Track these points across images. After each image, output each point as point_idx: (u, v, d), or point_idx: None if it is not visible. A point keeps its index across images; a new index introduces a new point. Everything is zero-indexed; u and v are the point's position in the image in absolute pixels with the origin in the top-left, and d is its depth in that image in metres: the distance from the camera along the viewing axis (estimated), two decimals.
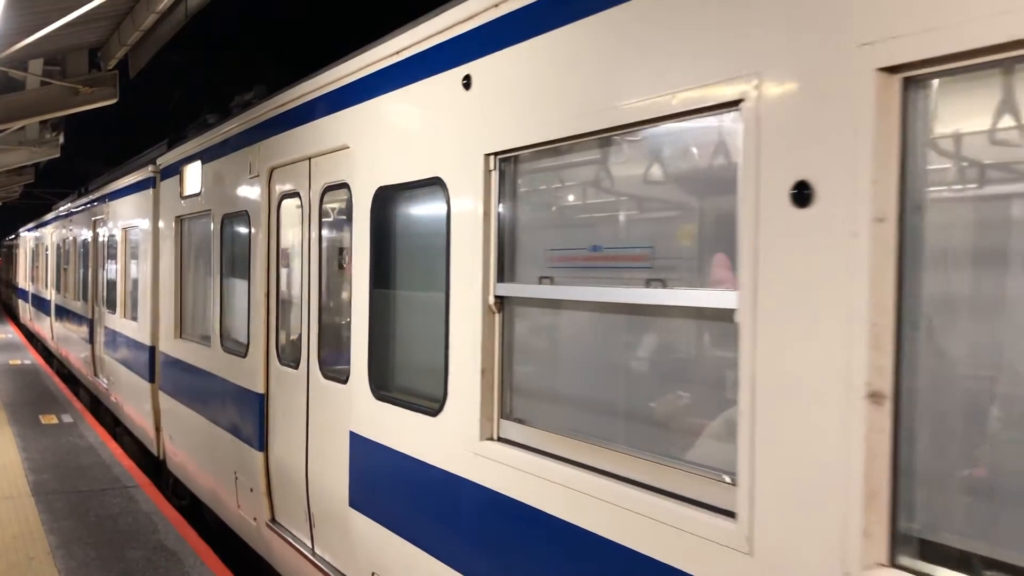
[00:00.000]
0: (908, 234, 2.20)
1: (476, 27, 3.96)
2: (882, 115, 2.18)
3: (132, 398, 11.21)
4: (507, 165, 3.81)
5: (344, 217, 5.47)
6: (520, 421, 3.75)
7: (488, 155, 3.81)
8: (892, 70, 2.17)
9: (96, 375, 14.04)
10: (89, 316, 14.66)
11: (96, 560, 6.89)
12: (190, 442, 8.62)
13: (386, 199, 4.85)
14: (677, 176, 3.22)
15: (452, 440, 4.06)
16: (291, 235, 6.32)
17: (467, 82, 3.99)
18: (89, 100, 11.15)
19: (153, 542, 7.36)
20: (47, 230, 22.62)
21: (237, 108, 7.64)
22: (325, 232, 5.73)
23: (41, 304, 23.04)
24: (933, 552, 2.18)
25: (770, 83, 2.47)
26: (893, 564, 2.19)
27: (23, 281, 30.23)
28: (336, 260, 5.69)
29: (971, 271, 2.22)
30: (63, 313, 18.38)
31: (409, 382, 4.79)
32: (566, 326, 3.78)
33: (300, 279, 6.04)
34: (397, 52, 4.65)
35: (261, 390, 6.50)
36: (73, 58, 11.05)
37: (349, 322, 5.25)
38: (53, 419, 12.96)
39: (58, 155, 16.34)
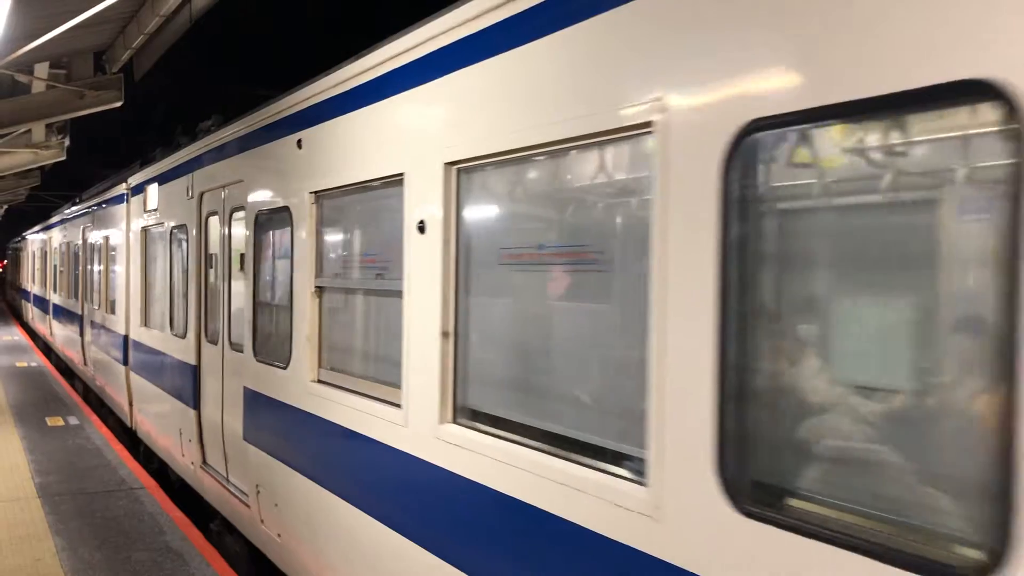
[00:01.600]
0: (460, 244, 4.13)
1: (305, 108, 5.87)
2: (447, 187, 4.13)
3: (111, 380, 13.08)
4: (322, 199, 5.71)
5: (244, 231, 7.06)
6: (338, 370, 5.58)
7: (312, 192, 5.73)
8: (451, 163, 4.10)
9: (85, 363, 15.98)
10: (80, 312, 16.59)
11: (102, 561, 6.92)
12: (151, 410, 10.58)
13: (263, 219, 6.67)
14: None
15: (298, 383, 5.92)
16: (213, 244, 8.27)
17: (299, 144, 5.89)
18: (94, 103, 11.20)
19: (159, 543, 7.38)
20: (45, 235, 24.56)
21: (179, 143, 9.59)
22: (233, 244, 7.64)
23: (42, 304, 24.78)
24: (473, 415, 4.08)
25: (413, 172, 4.44)
26: (454, 421, 4.13)
27: (25, 283, 32.17)
28: (239, 263, 7.38)
29: (482, 267, 4.11)
30: (59, 311, 20.15)
31: (273, 349, 6.51)
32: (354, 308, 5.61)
33: (220, 278, 7.96)
34: (259, 121, 6.65)
35: (194, 362, 8.52)
36: (78, 61, 11.10)
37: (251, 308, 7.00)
38: (59, 421, 13.01)
39: (64, 158, 16.38)
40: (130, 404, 11.86)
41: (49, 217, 24.49)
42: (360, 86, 5.06)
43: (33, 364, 20.35)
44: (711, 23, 2.72)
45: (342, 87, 5.29)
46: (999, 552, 1.95)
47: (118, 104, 11.32)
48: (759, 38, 2.54)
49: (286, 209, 6.06)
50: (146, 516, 8.16)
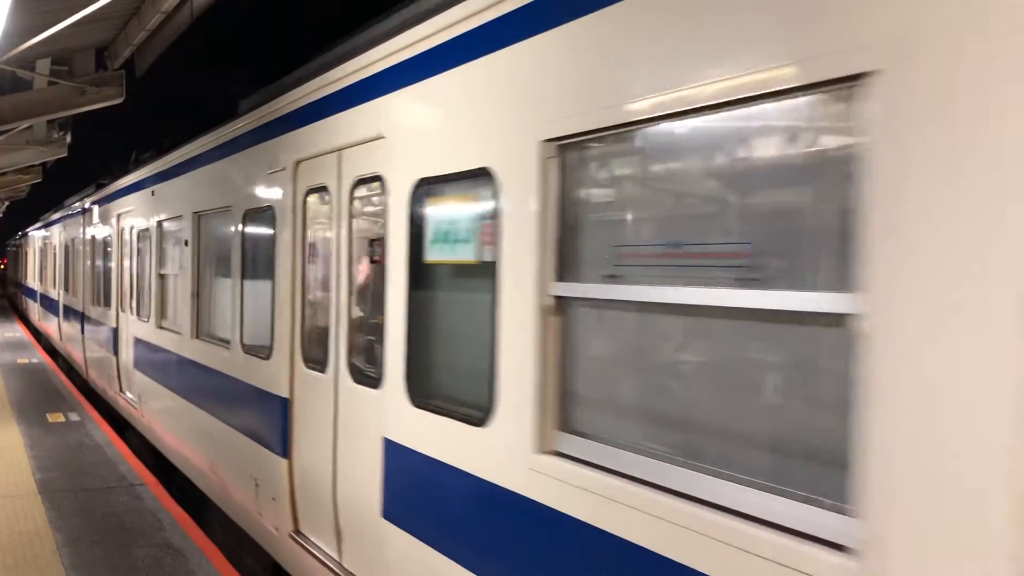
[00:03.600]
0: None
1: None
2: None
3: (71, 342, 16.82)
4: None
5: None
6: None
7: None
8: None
9: (61, 340, 20.29)
10: (56, 299, 21.61)
11: (102, 558, 6.92)
12: (121, 382, 12.60)
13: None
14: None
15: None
16: (127, 255, 11.41)
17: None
18: (96, 100, 11.20)
19: (159, 540, 7.39)
20: (37, 234, 28.84)
21: (107, 181, 13.32)
22: (126, 262, 11.35)
23: (30, 294, 30.99)
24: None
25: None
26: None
27: (23, 278, 37.01)
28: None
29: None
30: (44, 300, 25.01)
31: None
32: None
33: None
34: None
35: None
36: (80, 58, 11.10)
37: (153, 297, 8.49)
38: (60, 417, 13.01)
39: (65, 154, 16.40)
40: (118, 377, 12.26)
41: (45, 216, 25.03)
42: None
43: (34, 360, 20.36)
44: None
45: None
46: None
47: (119, 100, 11.32)
48: None
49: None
50: (146, 512, 8.16)
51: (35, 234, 29.97)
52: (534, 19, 3.60)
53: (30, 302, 30.91)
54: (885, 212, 2.21)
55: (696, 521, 2.76)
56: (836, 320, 2.41)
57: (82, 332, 16.53)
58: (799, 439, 2.64)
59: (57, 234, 22.06)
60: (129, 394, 12.04)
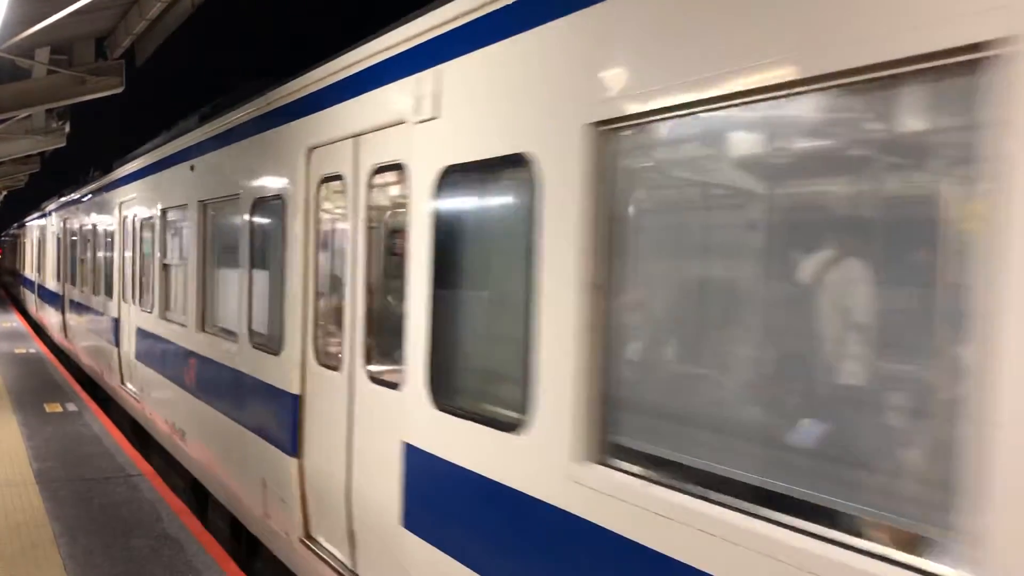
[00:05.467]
0: None
1: None
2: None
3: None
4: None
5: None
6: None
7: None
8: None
9: (35, 311, 24.91)
10: (33, 280, 26.00)
11: (100, 548, 6.91)
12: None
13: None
14: None
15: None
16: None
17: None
18: (95, 89, 11.17)
19: (157, 530, 7.38)
20: (30, 226, 31.08)
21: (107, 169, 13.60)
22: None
23: (26, 283, 32.39)
24: None
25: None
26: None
27: (18, 266, 39.12)
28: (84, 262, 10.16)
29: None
30: (31, 285, 28.56)
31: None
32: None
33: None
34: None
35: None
36: (80, 47, 11.06)
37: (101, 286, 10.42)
38: (58, 407, 13.00)
39: (64, 144, 16.36)
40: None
41: (38, 208, 25.49)
42: None
43: (32, 351, 20.34)
44: None
45: None
46: None
47: (119, 90, 11.28)
48: None
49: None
50: (144, 503, 8.16)
51: (33, 223, 30.07)
52: None
53: (28, 292, 30.93)
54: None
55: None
56: None
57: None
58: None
59: (56, 223, 21.94)
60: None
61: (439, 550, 4.15)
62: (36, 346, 21.42)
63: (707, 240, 3.12)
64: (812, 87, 2.42)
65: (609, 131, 3.12)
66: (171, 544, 7.05)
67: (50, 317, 22.00)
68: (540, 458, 3.41)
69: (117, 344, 12.57)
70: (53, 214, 22.84)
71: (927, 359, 2.34)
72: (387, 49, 4.83)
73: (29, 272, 30.56)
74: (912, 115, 2.35)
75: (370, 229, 5.15)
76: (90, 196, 16.05)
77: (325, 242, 5.87)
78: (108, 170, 14.05)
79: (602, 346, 3.18)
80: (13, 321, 28.24)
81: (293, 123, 6.19)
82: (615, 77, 3.09)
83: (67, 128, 15.79)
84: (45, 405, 13.12)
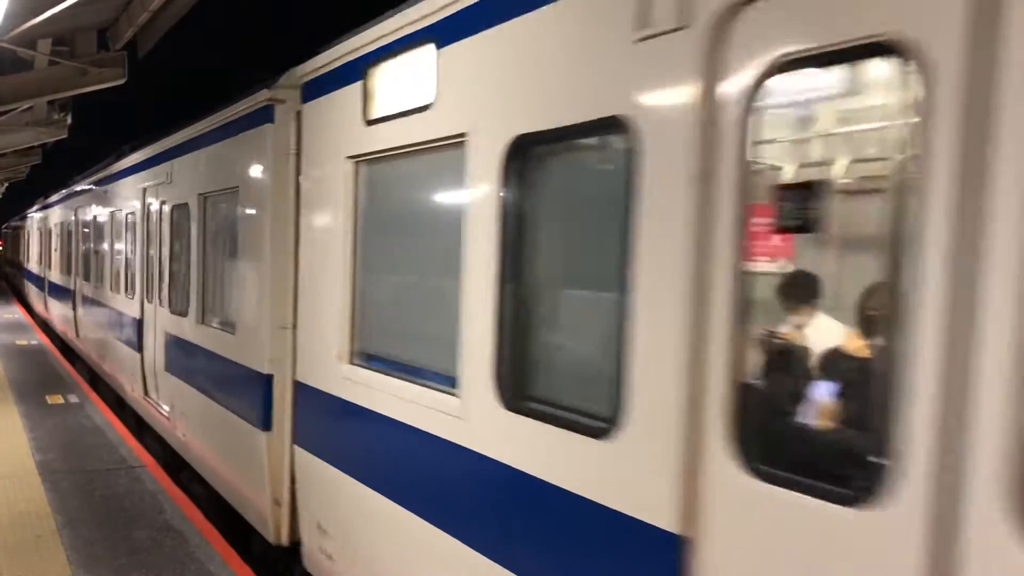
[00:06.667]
0: None
1: None
2: None
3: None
4: None
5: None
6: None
7: None
8: None
9: (43, 309, 25.42)
10: (24, 268, 31.59)
11: (102, 539, 6.93)
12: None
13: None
14: None
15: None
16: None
17: None
18: (97, 80, 11.13)
19: (159, 522, 7.39)
20: (29, 219, 32.79)
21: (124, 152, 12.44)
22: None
23: (23, 272, 35.45)
24: None
25: None
26: None
27: (18, 257, 40.99)
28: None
29: None
30: (28, 275, 31.30)
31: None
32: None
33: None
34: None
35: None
36: (82, 38, 11.01)
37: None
38: (59, 399, 13.02)
39: (65, 136, 16.31)
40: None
41: (37, 200, 25.28)
42: None
43: (33, 342, 20.36)
44: None
45: None
46: None
47: (121, 81, 11.25)
48: None
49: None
50: (146, 494, 8.17)
51: (37, 215, 29.88)
52: None
53: (32, 288, 30.41)
54: None
55: None
56: None
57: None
58: None
59: (61, 214, 20.76)
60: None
61: None
62: (38, 338, 21.44)
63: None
64: None
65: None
66: (173, 535, 7.06)
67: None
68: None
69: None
70: (62, 203, 20.85)
71: None
72: None
73: (36, 267, 27.54)
74: None
75: None
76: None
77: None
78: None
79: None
80: (15, 313, 28.27)
81: None
82: None
83: (69, 120, 15.73)
84: (47, 396, 13.14)
